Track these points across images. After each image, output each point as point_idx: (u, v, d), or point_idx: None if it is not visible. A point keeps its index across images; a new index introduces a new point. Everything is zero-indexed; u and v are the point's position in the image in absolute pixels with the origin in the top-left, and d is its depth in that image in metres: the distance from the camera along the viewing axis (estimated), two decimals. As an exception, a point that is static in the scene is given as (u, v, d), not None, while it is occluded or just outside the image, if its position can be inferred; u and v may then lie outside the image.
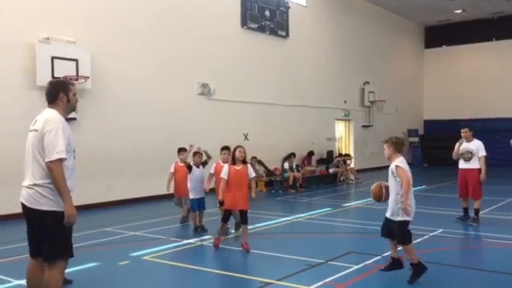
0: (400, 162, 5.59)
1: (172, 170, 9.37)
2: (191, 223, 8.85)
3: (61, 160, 3.98)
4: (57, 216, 4.01)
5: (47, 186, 4.03)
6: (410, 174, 5.56)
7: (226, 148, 8.15)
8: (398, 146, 5.71)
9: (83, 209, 10.83)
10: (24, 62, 10.23)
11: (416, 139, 25.70)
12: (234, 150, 7.32)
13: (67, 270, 4.31)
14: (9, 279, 5.80)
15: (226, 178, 7.12)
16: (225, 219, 7.34)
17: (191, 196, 8.53)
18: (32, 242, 4.20)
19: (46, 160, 3.98)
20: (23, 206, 4.14)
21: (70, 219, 4.00)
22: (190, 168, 8.51)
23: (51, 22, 10.72)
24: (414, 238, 5.66)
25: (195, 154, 8.77)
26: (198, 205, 8.49)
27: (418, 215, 5.91)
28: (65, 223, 4.01)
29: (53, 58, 10.43)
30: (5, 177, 9.53)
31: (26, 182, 4.12)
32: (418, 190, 14.66)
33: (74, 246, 4.20)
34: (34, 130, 4.15)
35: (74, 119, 10.94)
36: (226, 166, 7.28)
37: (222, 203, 7.45)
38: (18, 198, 4.20)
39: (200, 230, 8.40)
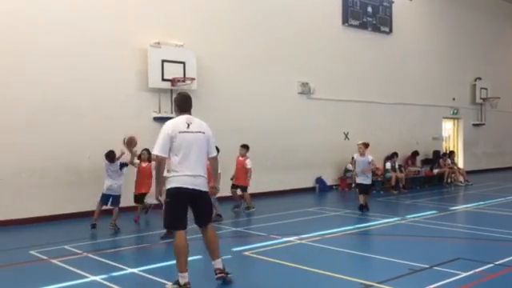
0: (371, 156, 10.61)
1: None
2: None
3: None
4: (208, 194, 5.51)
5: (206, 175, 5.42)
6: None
7: None
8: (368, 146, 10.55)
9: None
10: (137, 66, 11.01)
11: (536, 139, 23.43)
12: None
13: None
14: (123, 267, 6.30)
15: None
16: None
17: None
18: (186, 216, 5.24)
19: (213, 155, 5.47)
20: (188, 190, 5.14)
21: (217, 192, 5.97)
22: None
23: (161, 28, 11.43)
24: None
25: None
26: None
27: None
28: (212, 194, 5.76)
29: (163, 62, 11.13)
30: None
31: (197, 172, 5.21)
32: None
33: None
34: (200, 132, 5.32)
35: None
36: None
37: None
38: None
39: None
